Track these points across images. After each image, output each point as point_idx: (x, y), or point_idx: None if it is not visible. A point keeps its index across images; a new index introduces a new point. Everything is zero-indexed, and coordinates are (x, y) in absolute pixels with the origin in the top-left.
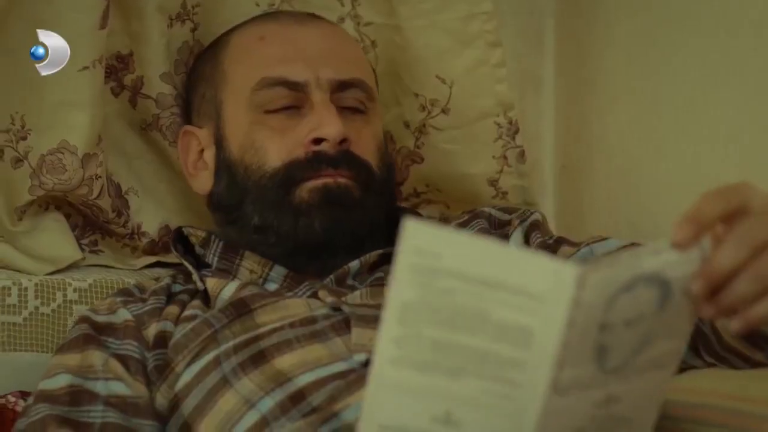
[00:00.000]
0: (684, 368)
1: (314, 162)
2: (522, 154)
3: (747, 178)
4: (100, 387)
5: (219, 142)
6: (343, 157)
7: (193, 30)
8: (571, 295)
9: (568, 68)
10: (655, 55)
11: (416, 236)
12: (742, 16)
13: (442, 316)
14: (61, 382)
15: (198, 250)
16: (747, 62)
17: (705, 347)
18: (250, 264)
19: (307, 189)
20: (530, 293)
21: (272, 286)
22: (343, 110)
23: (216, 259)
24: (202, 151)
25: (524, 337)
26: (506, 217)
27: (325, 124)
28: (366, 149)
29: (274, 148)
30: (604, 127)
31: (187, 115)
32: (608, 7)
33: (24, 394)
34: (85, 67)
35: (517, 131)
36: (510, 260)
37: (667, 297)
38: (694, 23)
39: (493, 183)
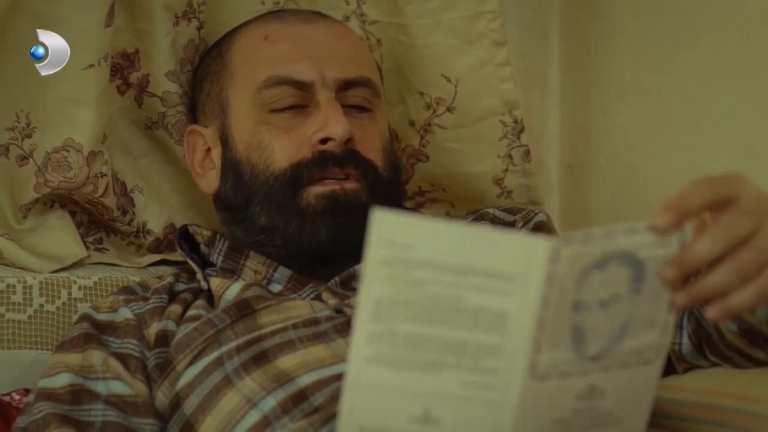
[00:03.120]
0: (689, 368)
1: (321, 161)
2: (527, 153)
3: (755, 178)
4: (100, 387)
5: (225, 141)
6: (349, 156)
7: (199, 28)
8: (544, 270)
9: (574, 67)
10: (661, 53)
11: (386, 227)
12: (749, 15)
13: (417, 310)
14: (62, 381)
15: (203, 249)
16: (754, 60)
17: (708, 346)
18: (254, 264)
19: (314, 194)
20: (504, 274)
21: (276, 288)
22: (349, 109)
23: (221, 258)
24: (208, 150)
25: (499, 321)
26: (510, 218)
27: (332, 124)
28: (371, 148)
29: (281, 148)
30: (610, 126)
31: (193, 114)
32: (614, 5)
33: (29, 392)
34: (91, 65)
35: (522, 130)
36: (483, 241)
37: (641, 278)
38: (701, 22)
39: (498, 182)
